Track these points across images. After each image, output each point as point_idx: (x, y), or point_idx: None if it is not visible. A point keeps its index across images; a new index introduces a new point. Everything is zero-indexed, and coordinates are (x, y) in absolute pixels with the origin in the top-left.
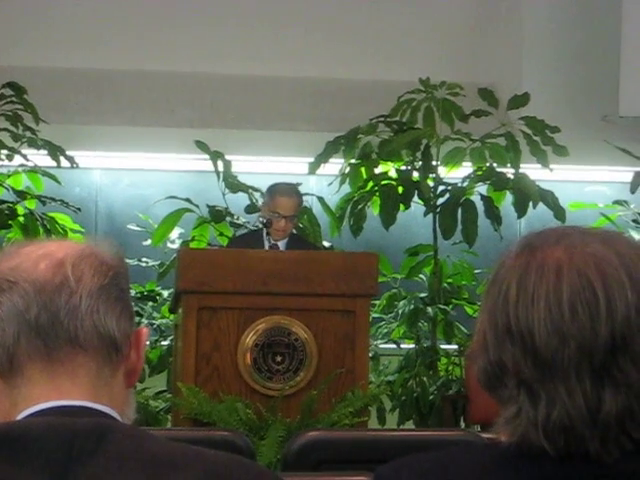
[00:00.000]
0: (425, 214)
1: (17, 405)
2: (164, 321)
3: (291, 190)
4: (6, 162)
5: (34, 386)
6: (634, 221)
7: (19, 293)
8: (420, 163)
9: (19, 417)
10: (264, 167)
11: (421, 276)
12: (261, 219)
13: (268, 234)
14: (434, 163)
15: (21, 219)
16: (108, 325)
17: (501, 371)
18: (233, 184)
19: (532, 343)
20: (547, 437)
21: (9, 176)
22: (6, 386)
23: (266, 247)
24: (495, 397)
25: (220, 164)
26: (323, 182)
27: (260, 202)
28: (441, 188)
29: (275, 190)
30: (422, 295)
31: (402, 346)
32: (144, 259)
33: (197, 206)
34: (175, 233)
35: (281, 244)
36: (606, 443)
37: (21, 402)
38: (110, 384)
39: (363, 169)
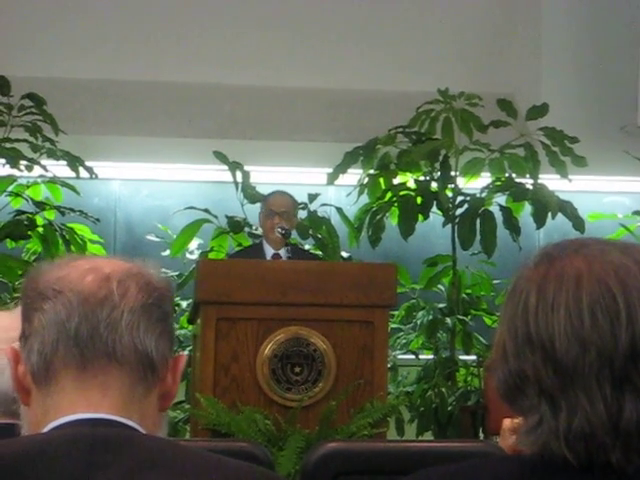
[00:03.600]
0: (444, 225)
1: (48, 414)
2: (182, 332)
3: (283, 191)
4: (25, 173)
5: (65, 395)
6: None
7: (63, 302)
8: (439, 174)
9: (45, 429)
10: (282, 178)
11: (440, 287)
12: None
13: (287, 245)
14: (453, 174)
15: (40, 230)
16: (146, 343)
17: (521, 381)
18: (251, 195)
19: (552, 351)
20: (569, 446)
21: (28, 187)
22: (39, 395)
23: (268, 259)
24: (515, 408)
25: (239, 175)
26: (342, 193)
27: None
28: (460, 199)
29: (268, 194)
30: (441, 306)
31: (421, 357)
32: (163, 270)
33: (216, 217)
34: (194, 244)
35: (282, 253)
36: (628, 452)
37: (52, 411)
38: (142, 403)
39: (382, 180)
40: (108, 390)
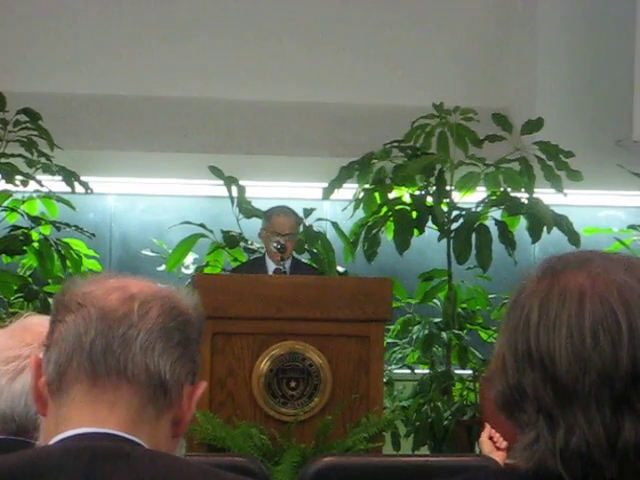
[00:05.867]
0: (439, 239)
1: (58, 426)
2: None
3: (287, 209)
4: (21, 188)
5: (75, 408)
6: None
7: (83, 316)
8: (434, 188)
9: (53, 441)
10: (278, 192)
11: (435, 301)
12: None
13: (282, 259)
14: (448, 188)
15: (35, 245)
16: (160, 365)
17: (520, 396)
18: (247, 209)
19: (553, 369)
20: (565, 464)
21: (24, 202)
22: (53, 406)
23: (270, 272)
24: (513, 421)
25: (234, 189)
26: (337, 207)
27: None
28: (455, 213)
29: (271, 212)
30: (436, 320)
31: (416, 371)
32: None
33: (211, 231)
34: (189, 258)
35: (284, 268)
36: (624, 473)
37: (62, 423)
38: (152, 424)
39: (377, 194)
40: (116, 407)
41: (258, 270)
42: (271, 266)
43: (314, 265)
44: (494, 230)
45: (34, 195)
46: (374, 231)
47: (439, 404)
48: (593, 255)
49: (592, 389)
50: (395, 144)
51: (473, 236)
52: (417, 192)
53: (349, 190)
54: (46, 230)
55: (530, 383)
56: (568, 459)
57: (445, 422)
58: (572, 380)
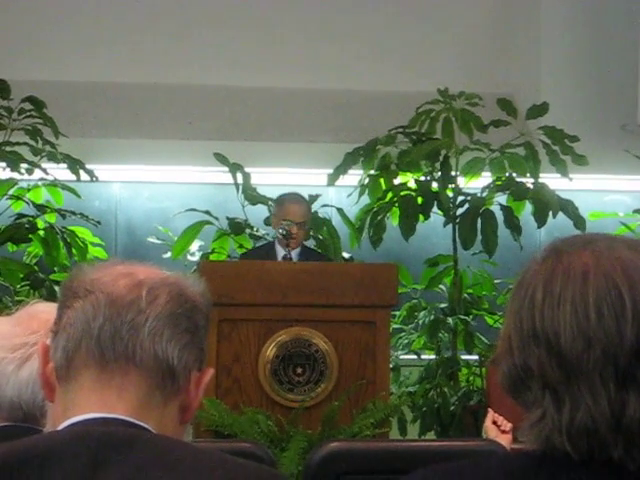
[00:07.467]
0: (445, 224)
1: (66, 411)
2: None
3: (299, 197)
4: (26, 176)
5: (83, 394)
6: None
7: (91, 302)
8: (439, 173)
9: (61, 426)
10: (283, 179)
11: (441, 287)
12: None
13: (288, 245)
14: (453, 173)
15: (41, 233)
16: (168, 351)
17: (526, 374)
18: (252, 196)
19: (557, 346)
20: (571, 441)
21: (29, 190)
22: (61, 391)
23: (279, 259)
24: (519, 401)
25: (239, 176)
26: (342, 193)
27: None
28: (460, 198)
29: (283, 199)
30: (442, 306)
31: (423, 357)
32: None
33: (217, 218)
34: (195, 245)
35: (294, 255)
36: (630, 448)
37: (70, 409)
38: (160, 410)
39: (382, 180)
40: (124, 392)
41: (267, 256)
42: (280, 252)
43: (324, 253)
44: (499, 215)
45: (39, 183)
46: (379, 217)
47: (445, 389)
48: (597, 236)
49: (596, 364)
50: (400, 130)
51: (479, 221)
52: (422, 178)
53: (354, 176)
54: (51, 218)
55: (535, 360)
56: (574, 435)
57: (452, 407)
58: (577, 356)
